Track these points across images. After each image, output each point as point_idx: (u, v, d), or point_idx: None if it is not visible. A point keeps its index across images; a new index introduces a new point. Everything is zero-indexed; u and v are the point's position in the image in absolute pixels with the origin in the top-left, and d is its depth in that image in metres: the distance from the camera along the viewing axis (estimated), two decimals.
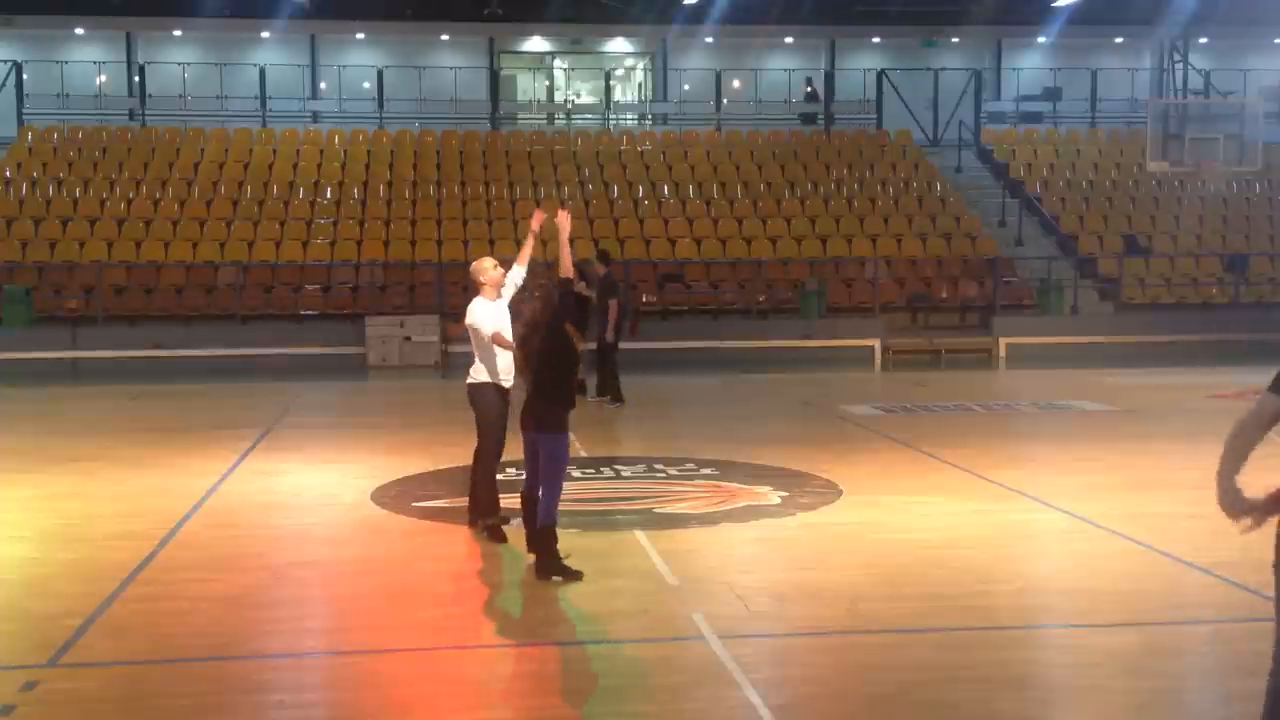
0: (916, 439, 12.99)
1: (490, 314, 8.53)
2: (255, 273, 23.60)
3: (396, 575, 7.83)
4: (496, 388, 8.59)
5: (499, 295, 8.66)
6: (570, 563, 7.58)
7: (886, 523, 9.13)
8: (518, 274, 8.77)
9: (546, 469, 7.56)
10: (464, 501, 9.06)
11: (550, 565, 7.53)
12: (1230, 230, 27.47)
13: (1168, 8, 28.39)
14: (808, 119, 30.93)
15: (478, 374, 8.63)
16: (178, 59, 30.66)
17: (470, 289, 8.85)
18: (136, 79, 30.00)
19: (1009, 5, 30.09)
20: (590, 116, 32.05)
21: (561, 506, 8.29)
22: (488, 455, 8.64)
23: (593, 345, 15.06)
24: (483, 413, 8.62)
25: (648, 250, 25.12)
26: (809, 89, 31.27)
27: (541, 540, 7.56)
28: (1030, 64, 33.08)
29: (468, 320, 8.55)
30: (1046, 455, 12.63)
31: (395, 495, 10.22)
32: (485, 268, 8.70)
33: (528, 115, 32.24)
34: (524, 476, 7.98)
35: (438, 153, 27.95)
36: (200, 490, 10.45)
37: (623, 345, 16.57)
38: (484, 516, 8.67)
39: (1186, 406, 15.73)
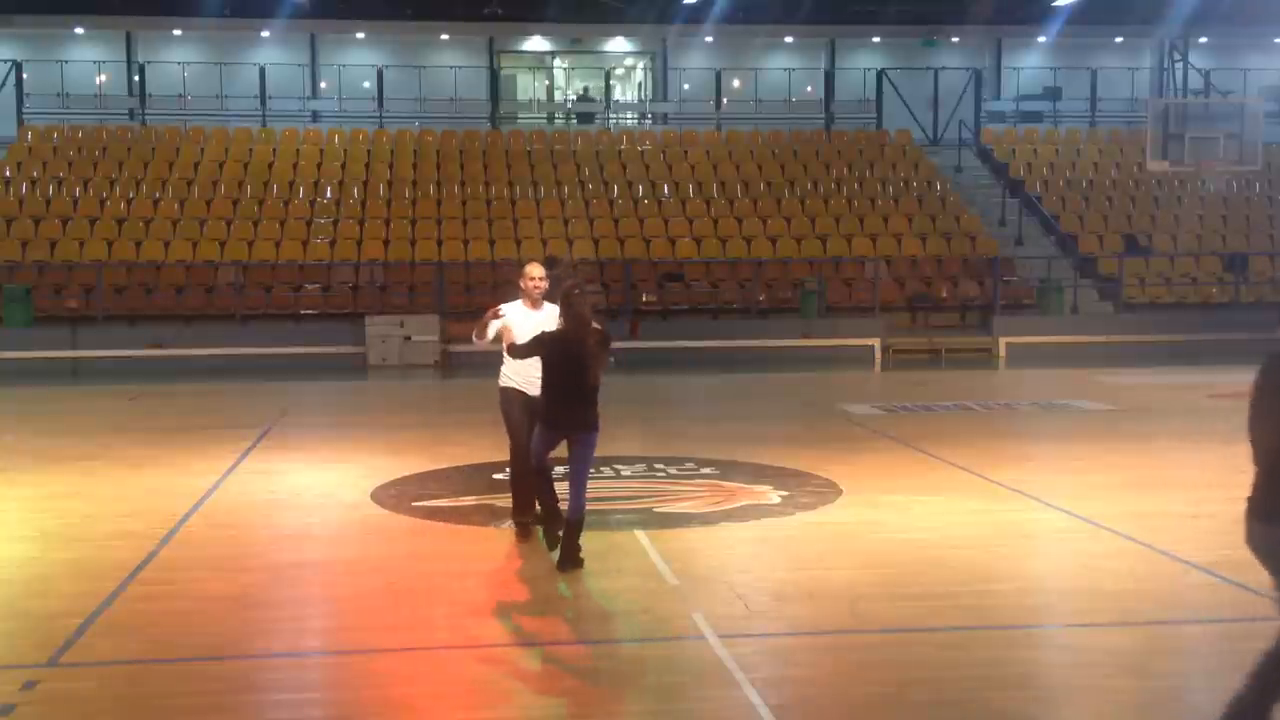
0: (916, 439, 12.98)
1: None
2: (255, 272, 23.60)
3: (396, 575, 7.83)
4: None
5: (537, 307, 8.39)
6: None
7: (886, 523, 9.13)
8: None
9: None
10: (463, 501, 9.08)
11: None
12: (1230, 230, 27.46)
13: (1168, 8, 28.38)
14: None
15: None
16: (178, 59, 30.67)
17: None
18: (136, 79, 30.01)
19: (1009, 5, 30.07)
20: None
21: (562, 505, 8.30)
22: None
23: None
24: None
25: (648, 250, 25.12)
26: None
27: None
28: (1030, 63, 33.09)
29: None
30: (1046, 455, 12.63)
31: (395, 495, 10.22)
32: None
33: (528, 115, 32.24)
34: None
35: (437, 152, 27.94)
36: (200, 490, 10.45)
37: (622, 345, 16.92)
38: (515, 514, 8.67)
39: (1186, 406, 15.73)
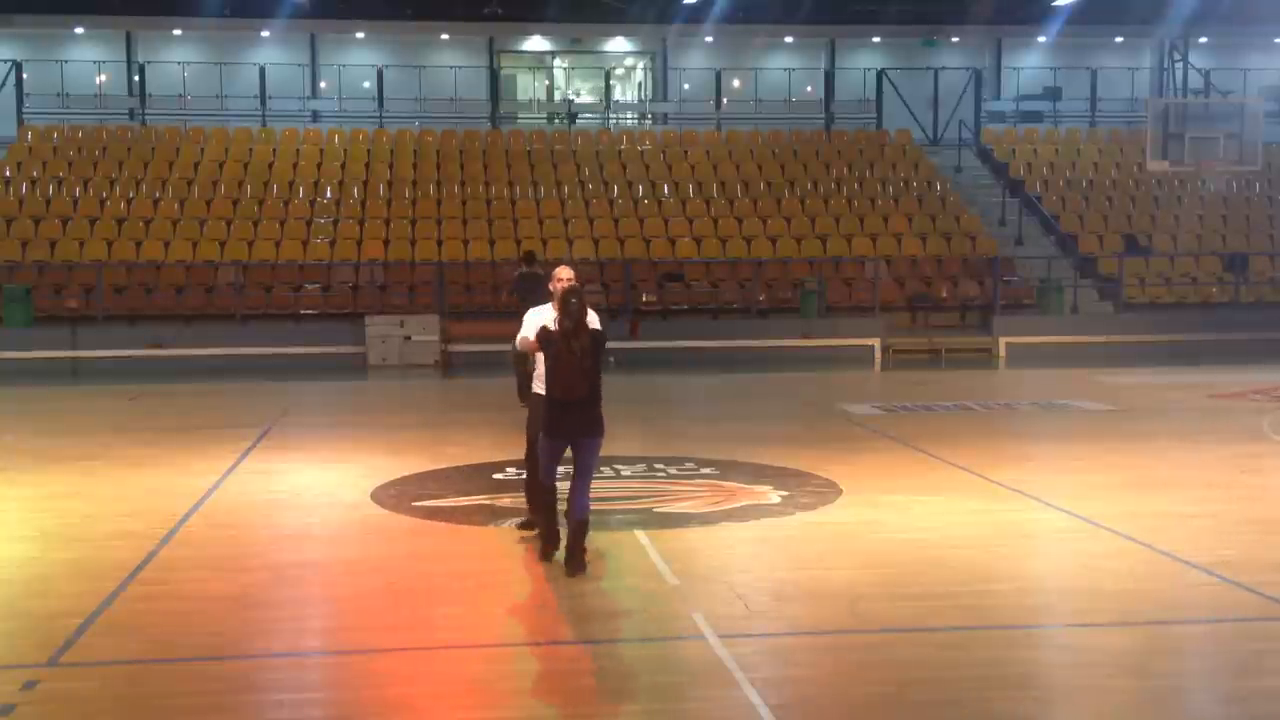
0: (916, 438, 12.98)
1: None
2: (255, 272, 23.60)
3: (396, 575, 7.83)
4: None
5: None
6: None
7: (886, 522, 9.13)
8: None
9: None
10: (463, 501, 9.09)
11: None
12: (1230, 230, 27.46)
13: (1168, 8, 28.38)
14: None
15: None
16: (178, 58, 30.67)
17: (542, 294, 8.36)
18: (136, 78, 30.00)
19: (1009, 5, 30.08)
20: (590, 116, 32.07)
21: (562, 506, 8.29)
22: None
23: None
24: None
25: (648, 250, 25.11)
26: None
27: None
28: (1030, 63, 33.08)
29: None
30: (1046, 455, 12.62)
31: (395, 495, 10.22)
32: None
33: (528, 115, 32.25)
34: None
35: (437, 152, 27.94)
36: (200, 490, 10.45)
37: (623, 345, 16.90)
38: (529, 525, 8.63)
39: (1186, 406, 15.73)
